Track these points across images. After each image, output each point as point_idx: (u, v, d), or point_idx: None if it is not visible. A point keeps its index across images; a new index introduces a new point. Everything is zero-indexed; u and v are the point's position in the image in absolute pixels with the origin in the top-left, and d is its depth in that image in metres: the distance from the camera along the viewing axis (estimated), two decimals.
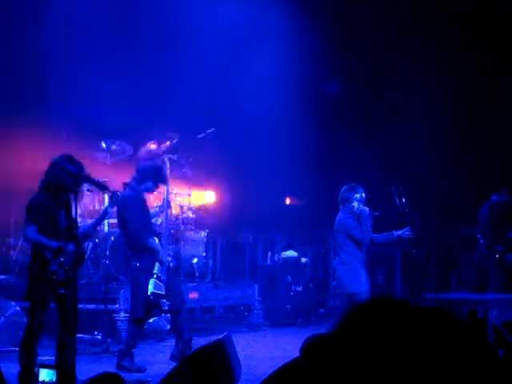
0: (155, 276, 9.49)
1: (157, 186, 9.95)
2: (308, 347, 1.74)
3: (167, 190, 10.65)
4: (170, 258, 9.93)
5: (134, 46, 14.28)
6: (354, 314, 1.64)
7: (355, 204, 10.03)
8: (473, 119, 15.51)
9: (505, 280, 13.83)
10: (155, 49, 14.58)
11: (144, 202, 9.81)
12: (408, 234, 10.35)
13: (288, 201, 16.70)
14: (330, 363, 1.62)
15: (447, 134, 15.76)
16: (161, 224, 10.67)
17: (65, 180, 8.11)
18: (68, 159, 8.21)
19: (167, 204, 10.76)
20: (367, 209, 10.06)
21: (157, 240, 9.70)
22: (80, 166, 8.26)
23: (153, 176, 9.74)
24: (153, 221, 10.50)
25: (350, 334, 1.61)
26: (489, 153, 15.48)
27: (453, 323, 1.61)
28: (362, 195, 10.08)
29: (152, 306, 9.47)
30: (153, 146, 13.38)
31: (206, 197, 14.60)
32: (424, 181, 15.58)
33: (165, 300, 9.52)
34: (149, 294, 9.41)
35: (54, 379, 5.72)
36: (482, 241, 14.18)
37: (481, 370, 1.60)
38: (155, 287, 9.46)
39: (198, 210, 13.89)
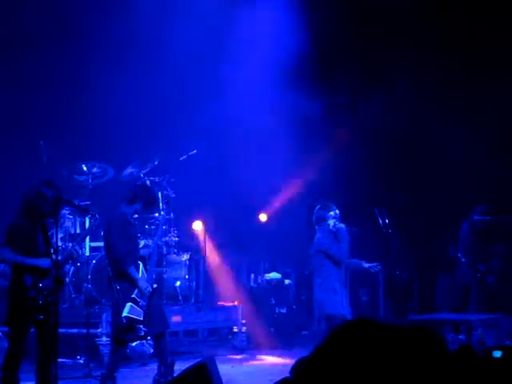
0: (132, 300, 9.38)
1: (146, 209, 9.86)
2: (294, 368, 1.71)
3: (160, 214, 10.59)
4: (155, 285, 9.79)
5: (117, 67, 14.26)
6: (336, 333, 1.62)
7: (331, 222, 10.02)
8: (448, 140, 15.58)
9: (485, 300, 13.86)
10: (138, 70, 14.57)
11: (131, 224, 9.70)
12: (376, 270, 10.46)
13: (263, 217, 16.61)
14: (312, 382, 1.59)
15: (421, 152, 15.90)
16: (145, 247, 10.56)
17: (41, 204, 8.03)
18: (46, 184, 8.13)
19: (160, 228, 10.68)
20: (343, 225, 10.06)
21: (141, 265, 9.59)
22: (59, 191, 8.17)
23: (144, 199, 9.63)
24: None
25: (332, 354, 1.58)
26: (465, 172, 15.54)
27: (431, 345, 1.59)
28: (336, 212, 10.08)
29: (125, 329, 9.34)
30: (134, 169, 13.33)
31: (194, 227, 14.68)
32: (407, 202, 15.63)
33: (141, 326, 9.40)
34: (122, 316, 9.29)
35: None
36: (463, 260, 14.21)
37: None
38: (130, 312, 9.33)
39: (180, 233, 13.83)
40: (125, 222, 9.54)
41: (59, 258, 8.18)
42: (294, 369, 1.63)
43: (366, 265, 10.39)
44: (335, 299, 9.92)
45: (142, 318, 9.37)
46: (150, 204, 9.84)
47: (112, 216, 9.67)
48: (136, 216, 9.90)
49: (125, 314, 9.28)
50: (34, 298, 7.95)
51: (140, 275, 9.49)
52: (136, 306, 9.37)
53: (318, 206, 10.20)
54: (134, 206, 9.59)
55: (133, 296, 9.39)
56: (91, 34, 14.33)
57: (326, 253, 10.01)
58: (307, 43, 15.18)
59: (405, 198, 15.72)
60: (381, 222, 14.02)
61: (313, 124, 16.56)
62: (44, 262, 8.02)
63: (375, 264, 10.43)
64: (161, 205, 12.86)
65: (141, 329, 9.38)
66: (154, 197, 10.06)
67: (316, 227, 10.19)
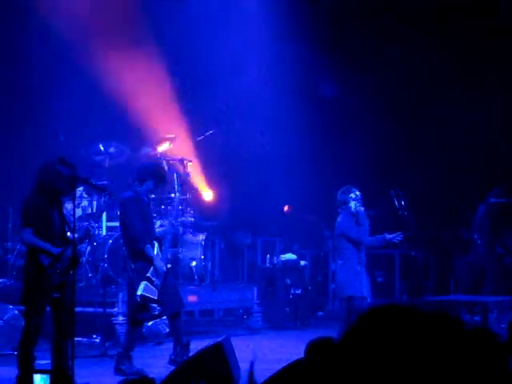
0: (147, 279, 9.42)
1: (157, 186, 9.90)
2: (313, 350, 1.70)
3: (176, 195, 10.61)
4: (169, 265, 9.84)
5: (130, 47, 14.25)
6: (362, 321, 1.60)
7: (352, 204, 10.03)
8: (462, 125, 15.51)
9: (501, 281, 13.82)
10: (153, 50, 14.55)
11: (146, 204, 9.73)
12: (398, 240, 10.37)
13: (286, 208, 16.63)
14: (337, 368, 1.57)
15: (437, 138, 15.86)
16: (161, 227, 10.59)
17: (59, 183, 8.05)
18: (60, 161, 8.13)
19: (175, 208, 10.70)
20: (363, 208, 10.06)
21: (156, 244, 9.63)
22: (73, 168, 8.18)
23: (153, 176, 9.67)
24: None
25: (358, 341, 1.56)
26: (483, 154, 15.47)
27: (456, 330, 1.57)
28: (356, 194, 10.07)
29: (140, 308, 9.40)
30: (150, 149, 13.35)
31: (204, 197, 14.54)
32: (422, 183, 15.58)
33: (156, 305, 9.44)
34: (137, 295, 9.34)
35: None
36: (479, 242, 14.16)
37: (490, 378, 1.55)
38: (145, 290, 9.38)
39: (196, 213, 13.84)
40: (139, 202, 9.59)
41: (76, 235, 8.22)
42: (311, 350, 1.63)
43: (389, 236, 10.34)
44: (356, 281, 9.94)
45: (156, 297, 9.42)
46: (161, 180, 9.86)
47: (126, 196, 9.71)
48: (152, 196, 9.91)
49: (139, 292, 9.34)
50: (50, 277, 7.98)
51: (155, 254, 9.54)
52: (151, 285, 9.42)
53: (340, 190, 10.20)
54: (146, 185, 9.62)
55: (148, 275, 9.43)
56: (108, 18, 14.36)
57: (347, 235, 10.02)
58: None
59: (420, 179, 15.67)
60: (397, 203, 13.99)
61: (329, 107, 16.52)
62: (60, 252, 8.05)
63: (397, 233, 10.36)
64: (176, 185, 12.87)
65: (155, 308, 9.44)
66: (163, 172, 10.08)
67: (339, 210, 10.21)
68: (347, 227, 10.03)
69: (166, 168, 10.93)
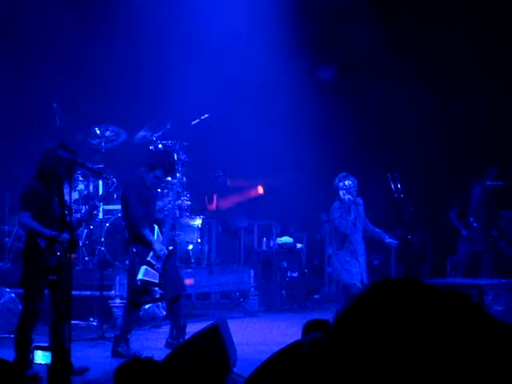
0: (148, 263, 9.44)
1: (166, 176, 9.91)
2: (310, 331, 1.70)
3: (177, 178, 10.63)
4: (171, 247, 9.85)
5: (130, 32, 14.24)
6: (366, 295, 1.56)
7: (341, 193, 10.14)
8: (460, 105, 15.51)
9: (496, 264, 13.87)
10: (150, 35, 14.54)
11: (147, 188, 9.73)
12: (394, 245, 10.66)
13: (260, 190, 16.57)
14: (334, 347, 1.54)
15: (436, 119, 15.86)
16: (162, 209, 10.58)
17: (59, 167, 8.09)
18: (61, 146, 8.18)
19: (174, 191, 10.71)
20: (350, 197, 10.14)
21: (156, 228, 9.64)
22: (74, 153, 8.23)
23: (164, 165, 9.64)
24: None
25: (362, 316, 1.53)
26: (478, 135, 15.49)
27: (469, 307, 1.53)
28: (345, 183, 10.14)
29: (140, 292, 9.43)
30: (146, 132, 13.33)
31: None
32: (419, 166, 15.60)
33: (157, 288, 9.47)
34: (137, 279, 9.37)
35: (50, 361, 5.73)
36: (475, 224, 14.19)
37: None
38: (145, 274, 9.40)
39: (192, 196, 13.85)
40: (141, 186, 9.59)
41: (80, 214, 8.29)
42: (305, 331, 1.63)
43: (387, 240, 10.58)
44: (347, 269, 10.09)
45: (157, 281, 9.45)
46: (171, 169, 9.89)
47: (129, 179, 9.72)
48: (155, 181, 9.88)
49: (140, 277, 9.37)
50: (48, 259, 8.03)
51: (155, 238, 9.55)
52: (151, 269, 9.44)
53: (337, 177, 10.28)
54: (155, 172, 9.59)
55: (148, 259, 9.45)
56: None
57: (333, 224, 10.22)
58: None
59: (416, 161, 15.68)
60: (393, 186, 14.00)
61: (327, 89, 16.51)
62: (57, 235, 8.09)
63: (396, 241, 10.64)
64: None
65: (157, 291, 9.47)
66: (174, 162, 10.13)
67: (335, 197, 10.35)
68: (334, 216, 10.21)
69: (175, 158, 10.92)
